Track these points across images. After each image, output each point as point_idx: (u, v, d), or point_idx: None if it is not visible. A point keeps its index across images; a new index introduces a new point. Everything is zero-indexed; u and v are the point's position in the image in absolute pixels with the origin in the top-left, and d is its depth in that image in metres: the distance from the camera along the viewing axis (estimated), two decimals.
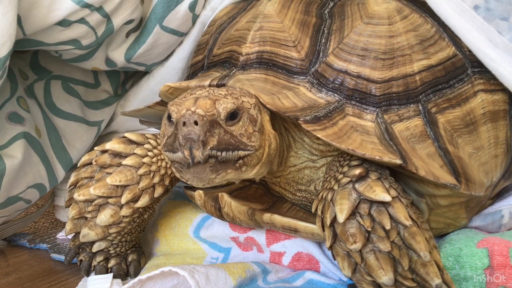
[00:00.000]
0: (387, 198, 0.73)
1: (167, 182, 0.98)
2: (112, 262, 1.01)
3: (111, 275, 0.98)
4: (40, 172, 1.19)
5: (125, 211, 0.93)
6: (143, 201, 0.94)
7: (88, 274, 1.00)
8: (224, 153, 0.75)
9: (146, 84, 1.32)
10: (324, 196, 0.81)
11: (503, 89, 0.95)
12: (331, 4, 0.98)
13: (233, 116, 0.77)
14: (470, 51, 0.93)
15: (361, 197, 0.75)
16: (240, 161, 0.78)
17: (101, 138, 1.46)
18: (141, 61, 1.25)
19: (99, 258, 1.00)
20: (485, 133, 0.92)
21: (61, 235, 1.24)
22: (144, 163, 0.94)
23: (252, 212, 0.92)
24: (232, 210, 0.93)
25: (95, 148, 0.97)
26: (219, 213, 0.96)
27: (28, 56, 1.30)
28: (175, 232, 1.11)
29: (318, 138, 0.86)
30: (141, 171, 0.94)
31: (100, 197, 0.92)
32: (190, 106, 0.73)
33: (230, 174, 0.77)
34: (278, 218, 0.90)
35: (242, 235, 1.04)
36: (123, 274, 1.01)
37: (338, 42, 0.90)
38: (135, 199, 0.94)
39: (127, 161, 0.93)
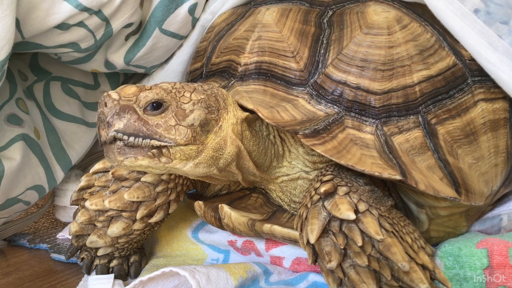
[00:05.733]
0: (351, 216, 0.72)
1: (181, 198, 0.99)
2: (114, 262, 1.02)
3: (112, 275, 0.98)
4: (39, 174, 1.20)
5: (138, 225, 0.94)
6: (157, 217, 0.95)
7: (89, 273, 1.01)
8: (131, 138, 0.76)
9: None
10: (301, 213, 0.81)
11: (503, 97, 0.95)
12: (330, 12, 0.97)
13: (157, 106, 0.78)
14: (470, 59, 0.93)
15: (331, 215, 0.75)
16: (155, 150, 0.78)
17: None
18: (140, 64, 1.24)
19: (103, 261, 1.00)
20: (485, 143, 0.92)
21: (61, 235, 1.24)
22: (162, 180, 0.94)
23: (252, 223, 0.92)
24: (232, 221, 0.93)
25: None
26: (219, 223, 0.96)
27: (27, 57, 1.30)
28: (174, 232, 1.12)
29: (312, 149, 0.86)
30: (159, 188, 0.94)
31: (114, 210, 0.92)
32: (112, 91, 0.77)
33: (142, 161, 0.77)
34: (278, 229, 0.90)
35: (240, 238, 1.03)
36: (123, 275, 1.01)
37: (337, 53, 0.89)
38: (149, 215, 0.94)
39: (147, 178, 0.93)
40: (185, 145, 0.80)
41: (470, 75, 0.92)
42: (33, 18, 1.00)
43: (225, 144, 0.85)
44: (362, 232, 0.73)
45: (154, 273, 0.86)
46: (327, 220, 0.75)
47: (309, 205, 0.79)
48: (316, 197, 0.78)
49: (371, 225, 0.72)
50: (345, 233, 0.73)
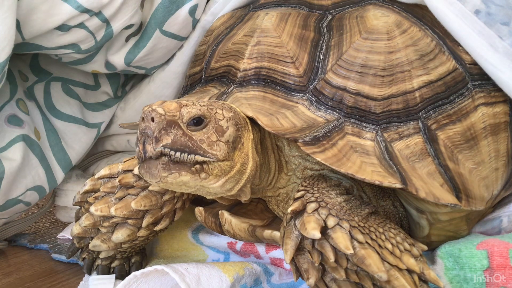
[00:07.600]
0: (316, 235, 0.71)
1: (187, 205, 0.99)
2: (115, 263, 1.02)
3: (114, 276, 0.99)
4: (39, 174, 1.20)
5: (142, 233, 0.94)
6: (163, 225, 0.95)
7: (90, 273, 1.01)
8: (178, 154, 0.75)
9: (146, 88, 1.32)
10: (280, 231, 0.81)
11: (504, 100, 0.94)
12: (329, 17, 0.96)
13: (198, 122, 0.78)
14: (470, 63, 0.92)
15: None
16: (197, 166, 0.77)
17: (101, 140, 1.46)
18: (141, 65, 1.24)
19: (104, 261, 1.01)
20: (485, 147, 0.91)
21: (61, 235, 1.24)
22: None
23: (253, 229, 0.92)
24: (233, 227, 0.93)
25: (120, 167, 0.95)
26: (220, 229, 0.96)
27: (28, 58, 1.29)
28: (174, 233, 1.12)
29: (308, 155, 0.85)
30: (166, 197, 0.94)
31: (119, 217, 0.92)
32: (155, 106, 0.75)
33: (184, 176, 0.76)
34: (278, 235, 0.89)
35: (240, 240, 1.03)
36: (124, 275, 1.00)
37: (336, 59, 0.89)
38: (155, 222, 0.94)
39: (154, 187, 0.93)
40: (222, 161, 0.80)
41: (470, 79, 0.92)
42: (34, 20, 1.00)
43: (247, 160, 0.85)
44: (335, 248, 0.72)
45: (147, 268, 0.86)
46: (299, 239, 0.75)
47: (284, 224, 0.79)
48: (288, 216, 0.78)
49: (340, 240, 0.71)
50: (318, 250, 0.73)
